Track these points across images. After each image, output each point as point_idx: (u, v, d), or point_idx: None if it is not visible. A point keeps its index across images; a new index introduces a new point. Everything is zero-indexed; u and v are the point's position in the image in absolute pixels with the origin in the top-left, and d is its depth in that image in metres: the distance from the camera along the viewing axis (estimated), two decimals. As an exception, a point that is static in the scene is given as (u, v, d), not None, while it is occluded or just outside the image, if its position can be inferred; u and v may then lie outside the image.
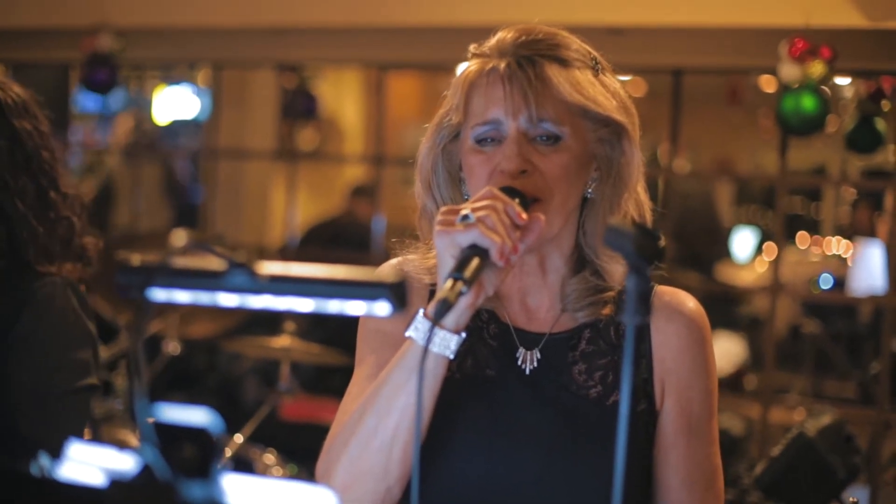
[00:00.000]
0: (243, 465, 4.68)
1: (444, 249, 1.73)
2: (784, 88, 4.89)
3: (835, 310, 8.34)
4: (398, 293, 1.21)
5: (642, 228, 1.36)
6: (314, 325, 6.66)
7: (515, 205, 1.74)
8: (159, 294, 1.25)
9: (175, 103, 9.64)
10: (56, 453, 2.31)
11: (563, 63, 1.90)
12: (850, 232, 9.49)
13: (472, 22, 5.44)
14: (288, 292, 1.24)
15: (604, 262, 1.95)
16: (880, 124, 5.28)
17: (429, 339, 1.69)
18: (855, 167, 8.79)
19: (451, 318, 1.75)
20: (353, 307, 1.26)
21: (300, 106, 7.37)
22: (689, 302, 1.99)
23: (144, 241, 6.28)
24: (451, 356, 1.77)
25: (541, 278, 1.98)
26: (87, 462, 1.11)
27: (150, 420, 1.07)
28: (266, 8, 6.02)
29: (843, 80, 5.79)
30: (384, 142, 7.28)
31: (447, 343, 1.76)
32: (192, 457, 1.07)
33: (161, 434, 1.08)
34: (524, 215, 1.74)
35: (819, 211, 11.41)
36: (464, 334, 1.78)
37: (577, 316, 1.97)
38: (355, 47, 6.06)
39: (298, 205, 7.72)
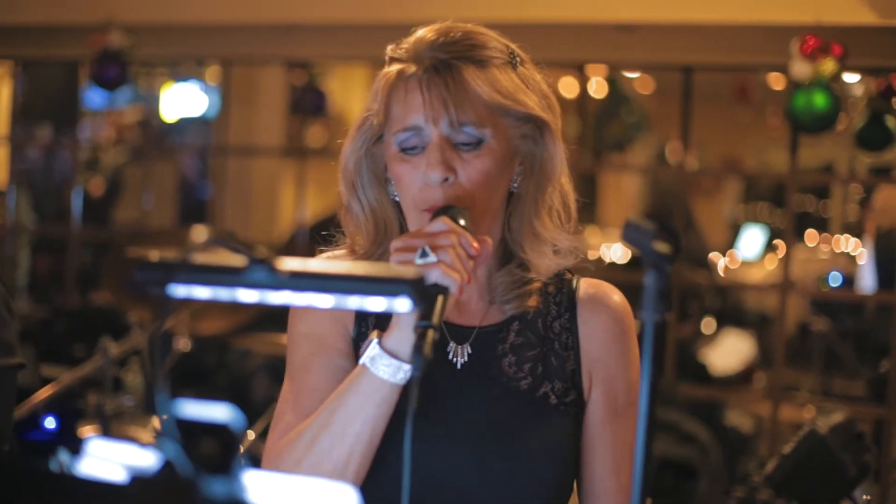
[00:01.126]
0: (254, 461, 4.67)
1: None
2: (795, 86, 4.88)
3: (844, 307, 8.33)
4: (419, 290, 1.20)
5: (662, 225, 1.35)
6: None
7: (468, 236, 1.75)
8: (179, 290, 1.25)
9: (183, 100, 9.64)
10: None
11: (481, 63, 1.89)
12: (859, 229, 9.48)
13: (480, 18, 5.42)
14: (308, 288, 1.24)
15: (529, 255, 1.97)
16: (890, 122, 5.26)
17: (406, 377, 1.74)
18: (864, 164, 8.77)
19: (400, 347, 1.78)
20: (373, 303, 1.25)
21: (309, 103, 7.37)
22: (614, 295, 2.03)
23: (152, 239, 6.28)
24: (403, 383, 1.79)
25: None
26: (107, 458, 1.11)
27: (170, 416, 1.07)
28: (275, 4, 6.02)
29: (853, 78, 5.77)
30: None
31: (398, 370, 1.79)
32: (213, 453, 1.07)
33: (181, 430, 1.07)
34: (475, 244, 1.75)
35: (828, 209, 11.39)
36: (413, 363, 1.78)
37: (504, 308, 1.99)
38: (364, 44, 6.05)
39: (307, 201, 7.72)
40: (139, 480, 1.07)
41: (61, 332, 6.63)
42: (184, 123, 9.90)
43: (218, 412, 1.07)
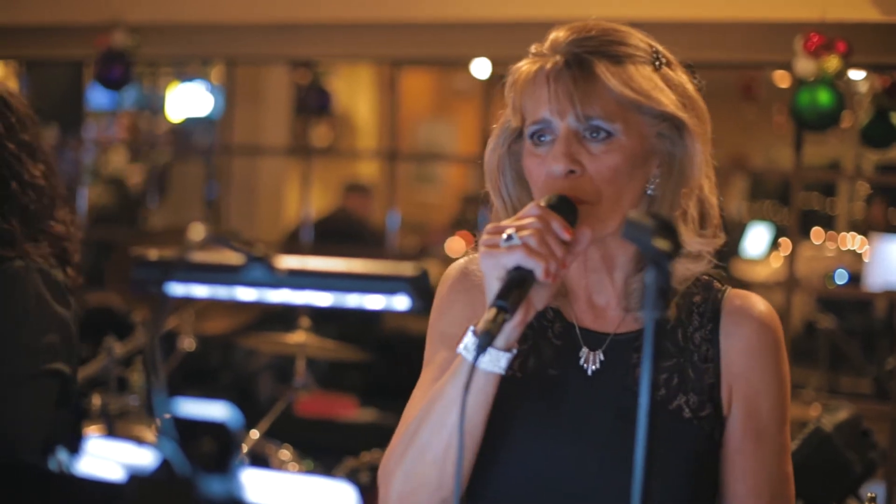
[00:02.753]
0: (259, 461, 4.68)
1: (489, 271, 1.71)
2: (799, 83, 4.88)
3: (850, 305, 8.31)
4: (418, 287, 1.20)
5: (661, 222, 1.34)
6: (329, 321, 6.66)
7: (560, 221, 1.71)
8: (177, 289, 1.25)
9: (188, 101, 9.63)
10: (14, 438, 2.30)
11: (616, 59, 1.85)
12: (865, 227, 9.46)
13: (485, 18, 5.43)
14: (306, 286, 1.24)
15: None
16: (895, 119, 5.25)
17: (476, 357, 1.66)
18: (870, 162, 8.76)
19: (499, 339, 1.73)
20: (372, 301, 1.25)
21: (314, 102, 7.36)
22: (760, 305, 1.96)
23: (159, 238, 6.28)
24: (503, 373, 1.76)
25: (606, 275, 1.95)
26: (105, 457, 1.11)
27: (169, 415, 1.07)
28: (279, 4, 6.02)
29: (858, 75, 5.76)
30: (398, 137, 7.27)
31: (497, 361, 1.75)
32: (210, 452, 1.06)
33: (180, 429, 1.07)
34: (569, 232, 1.71)
35: (834, 206, 11.37)
36: (514, 351, 1.76)
37: (640, 317, 1.93)
38: (368, 43, 6.05)
39: (312, 201, 7.72)
40: (137, 479, 1.07)
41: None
42: (189, 123, 9.89)
43: (216, 411, 1.07)
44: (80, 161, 7.56)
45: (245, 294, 1.26)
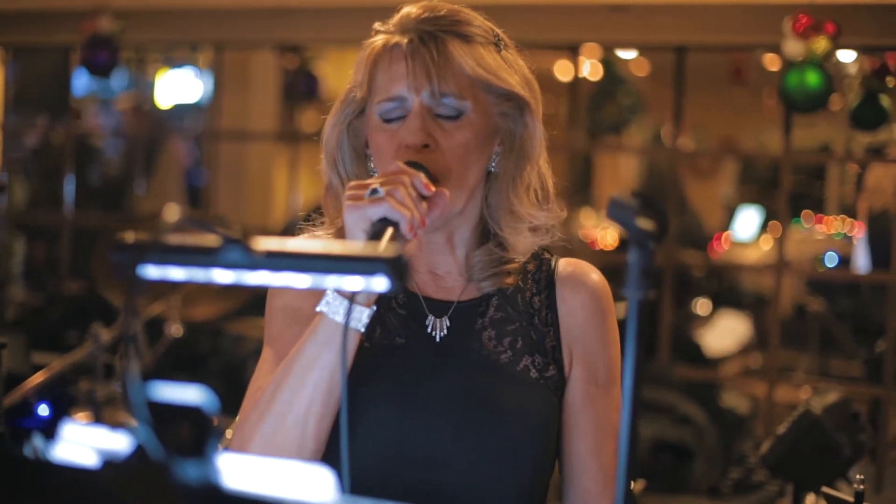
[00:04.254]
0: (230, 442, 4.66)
1: (354, 224, 1.73)
2: (788, 65, 4.87)
3: (840, 288, 8.32)
4: (396, 267, 1.19)
5: (645, 202, 1.33)
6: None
7: (422, 176, 1.76)
8: (153, 271, 1.23)
9: (177, 87, 9.61)
10: None
11: (466, 39, 1.92)
12: (855, 210, 9.47)
13: (471, 1, 5.41)
14: (284, 268, 1.23)
15: (507, 234, 1.98)
16: (885, 101, 5.25)
17: (348, 316, 1.72)
18: (860, 144, 8.76)
19: (361, 294, 1.77)
20: (351, 282, 1.24)
21: (302, 87, 7.36)
22: (593, 273, 2.05)
23: (146, 225, 6.26)
24: (363, 329, 1.78)
25: (449, 254, 2.01)
26: (80, 443, 1.09)
27: (144, 399, 1.05)
28: (266, -12, 6.00)
29: (847, 57, 5.75)
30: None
31: (359, 317, 1.77)
32: (186, 436, 1.05)
33: (155, 413, 1.06)
34: (431, 187, 1.77)
35: (824, 189, 11.39)
36: (374, 307, 1.79)
37: (481, 286, 2.00)
38: (356, 27, 5.99)
39: (301, 186, 7.70)
40: (111, 465, 1.06)
41: (56, 319, 6.62)
42: (177, 109, 9.87)
43: (192, 395, 1.05)
44: (68, 148, 7.51)
45: (222, 276, 1.25)
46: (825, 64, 4.77)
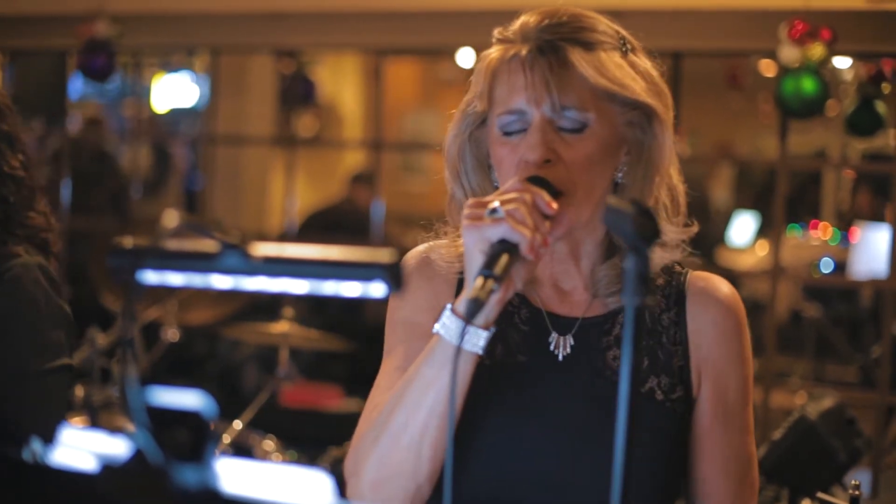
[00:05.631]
0: (243, 451, 4.67)
1: (472, 244, 1.69)
2: (784, 71, 4.87)
3: (835, 294, 8.33)
4: (394, 274, 1.19)
5: (640, 208, 1.33)
6: (313, 311, 6.65)
7: (544, 194, 1.70)
8: (151, 277, 1.23)
9: (174, 91, 9.62)
10: (35, 435, 2.29)
11: (588, 46, 1.83)
12: (851, 215, 9.48)
13: (471, 6, 5.42)
14: (282, 273, 1.22)
15: None
16: (880, 107, 5.25)
17: (461, 338, 1.65)
18: (855, 150, 8.78)
19: (478, 317, 1.70)
20: (349, 288, 1.24)
21: (298, 91, 7.35)
22: (724, 287, 1.96)
23: (142, 228, 6.26)
24: (481, 352, 1.73)
25: (573, 265, 1.93)
26: (79, 447, 1.09)
27: (142, 404, 1.06)
28: (263, -7, 6.01)
29: (843, 63, 5.76)
30: (383, 127, 7.25)
31: (476, 340, 1.72)
32: (184, 441, 1.05)
33: (153, 418, 1.06)
34: (554, 205, 1.70)
35: (820, 195, 11.40)
36: (493, 329, 1.73)
37: (607, 302, 1.92)
38: (353, 32, 6.04)
39: (297, 191, 7.70)
40: (110, 469, 1.06)
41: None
42: (174, 114, 9.88)
43: (190, 400, 1.06)
44: (63, 152, 7.50)
45: (220, 282, 1.25)
46: (821, 70, 4.77)
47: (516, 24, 1.88)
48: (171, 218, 1.18)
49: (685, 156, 7.31)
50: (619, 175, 1.89)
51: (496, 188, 1.89)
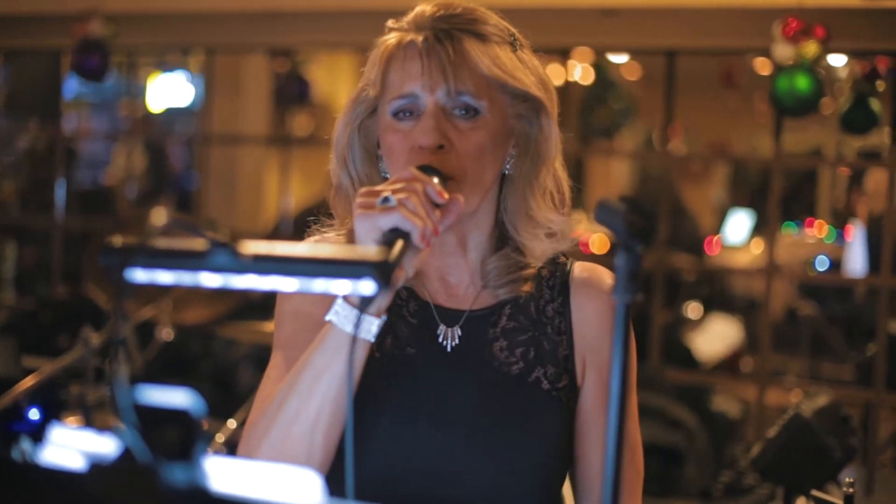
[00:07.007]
0: (237, 450, 4.65)
1: (364, 233, 1.68)
2: (778, 69, 4.87)
3: (831, 292, 8.33)
4: (383, 271, 1.18)
5: (633, 205, 1.33)
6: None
7: (435, 184, 1.71)
8: (140, 275, 1.23)
9: (169, 91, 9.61)
10: None
11: (482, 38, 1.88)
12: (847, 214, 9.49)
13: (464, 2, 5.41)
14: (272, 271, 1.22)
15: (523, 238, 1.94)
16: (875, 104, 5.26)
17: (357, 326, 1.66)
18: (851, 148, 8.78)
19: (373, 304, 1.71)
20: (338, 286, 1.24)
21: (293, 91, 7.35)
22: (608, 279, 2.00)
23: (136, 227, 6.25)
24: (373, 339, 1.73)
25: (461, 257, 1.96)
26: (67, 446, 1.09)
27: (131, 403, 1.05)
28: (258, -8, 6.00)
29: (837, 61, 5.76)
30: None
31: (369, 327, 1.72)
32: (174, 440, 1.05)
33: (143, 417, 1.06)
34: (445, 195, 1.71)
35: (815, 193, 11.41)
36: (384, 317, 1.73)
37: (497, 293, 1.96)
38: (348, 31, 6.03)
39: (292, 190, 7.69)
40: (98, 468, 1.06)
41: (46, 323, 6.61)
42: (168, 113, 9.88)
43: (179, 398, 1.05)
44: (58, 152, 7.50)
45: (210, 280, 1.24)
46: (815, 68, 4.78)
47: (411, 15, 1.92)
48: (160, 216, 1.18)
49: (680, 154, 7.32)
50: (507, 167, 1.94)
51: (384, 178, 1.92)
